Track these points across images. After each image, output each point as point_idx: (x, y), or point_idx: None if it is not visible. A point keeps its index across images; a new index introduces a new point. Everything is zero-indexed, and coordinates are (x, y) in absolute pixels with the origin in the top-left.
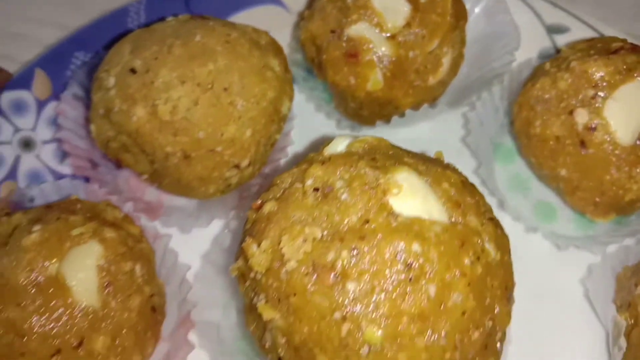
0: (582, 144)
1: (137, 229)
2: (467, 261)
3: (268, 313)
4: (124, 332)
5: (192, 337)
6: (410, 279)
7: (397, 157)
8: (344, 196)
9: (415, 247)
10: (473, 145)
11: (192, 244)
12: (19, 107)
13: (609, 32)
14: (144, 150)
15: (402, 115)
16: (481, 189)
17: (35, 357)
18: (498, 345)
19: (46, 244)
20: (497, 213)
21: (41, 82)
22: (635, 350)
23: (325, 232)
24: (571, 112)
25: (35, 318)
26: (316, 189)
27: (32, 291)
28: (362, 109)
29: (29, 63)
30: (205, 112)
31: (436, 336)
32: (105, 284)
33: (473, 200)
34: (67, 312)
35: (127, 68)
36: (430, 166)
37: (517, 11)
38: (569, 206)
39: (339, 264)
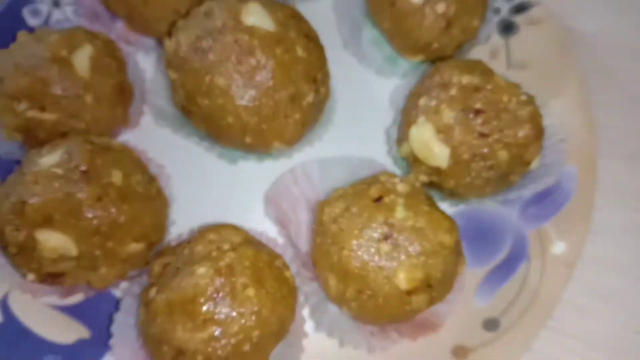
0: (392, 3)
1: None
2: (279, 50)
3: (171, 74)
4: (101, 96)
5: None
6: (242, 51)
7: None
8: (215, 12)
9: (245, 37)
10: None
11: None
12: None
13: None
14: None
15: None
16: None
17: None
18: (305, 106)
19: (62, 40)
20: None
21: None
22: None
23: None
24: None
25: (53, 83)
26: None
27: (52, 64)
28: None
29: None
30: None
31: (266, 82)
32: (92, 66)
33: (294, 22)
34: (71, 77)
35: None
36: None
37: None
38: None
39: (205, 45)
